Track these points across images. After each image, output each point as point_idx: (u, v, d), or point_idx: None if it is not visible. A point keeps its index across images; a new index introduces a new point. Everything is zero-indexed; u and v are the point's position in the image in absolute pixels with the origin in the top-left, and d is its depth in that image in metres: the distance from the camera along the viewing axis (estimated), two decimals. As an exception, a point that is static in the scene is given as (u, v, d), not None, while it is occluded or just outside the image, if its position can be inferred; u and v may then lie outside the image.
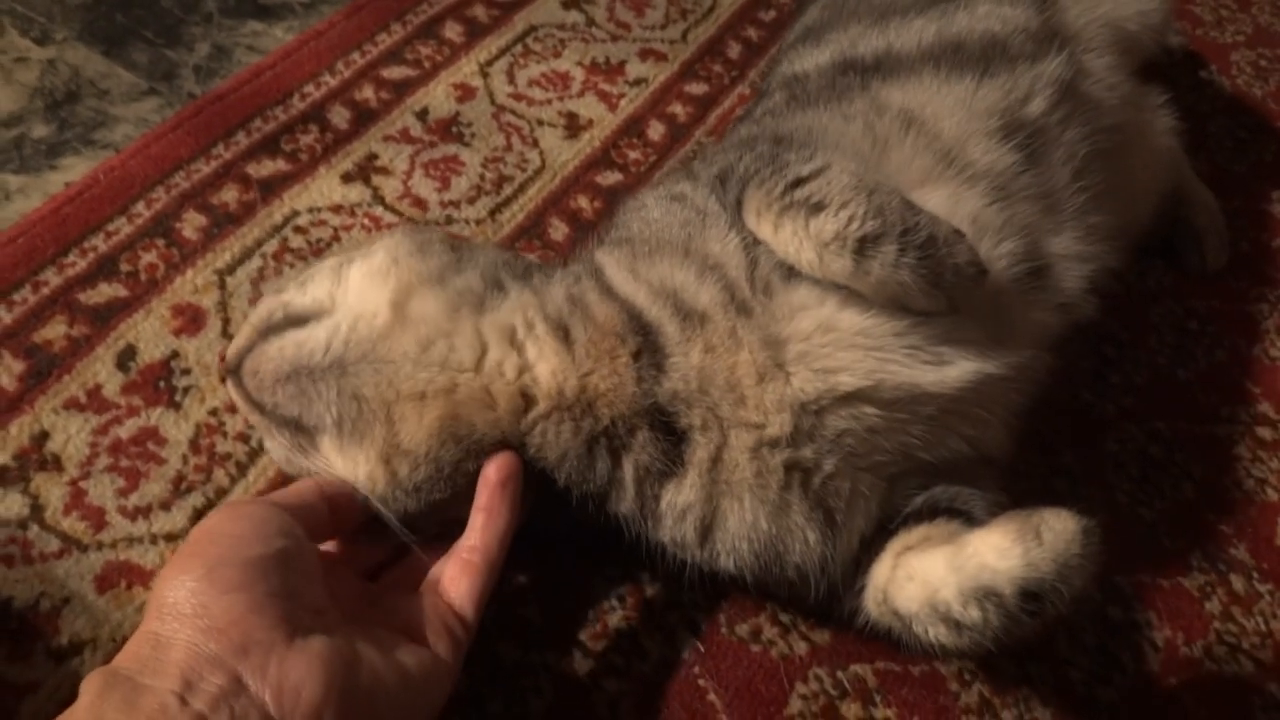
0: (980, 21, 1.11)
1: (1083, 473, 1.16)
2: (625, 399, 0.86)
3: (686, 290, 0.88)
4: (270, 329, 0.90)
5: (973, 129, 1.01)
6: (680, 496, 0.87)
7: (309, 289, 0.92)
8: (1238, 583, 1.08)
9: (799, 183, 0.85)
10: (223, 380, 0.95)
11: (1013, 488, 0.95)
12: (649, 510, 0.88)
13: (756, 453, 0.85)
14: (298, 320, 0.89)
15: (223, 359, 0.95)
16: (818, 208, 0.82)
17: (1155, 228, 1.38)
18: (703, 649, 0.96)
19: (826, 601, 0.91)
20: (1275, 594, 1.07)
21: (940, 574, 0.77)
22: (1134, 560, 1.08)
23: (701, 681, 0.95)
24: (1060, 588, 0.73)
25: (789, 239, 0.84)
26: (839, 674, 0.96)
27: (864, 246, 0.81)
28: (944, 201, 0.96)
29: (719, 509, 0.87)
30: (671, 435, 0.87)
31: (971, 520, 0.87)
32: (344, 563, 0.90)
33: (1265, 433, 1.23)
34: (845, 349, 0.85)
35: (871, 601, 0.85)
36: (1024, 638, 0.77)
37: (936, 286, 0.82)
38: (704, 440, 0.86)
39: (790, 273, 0.87)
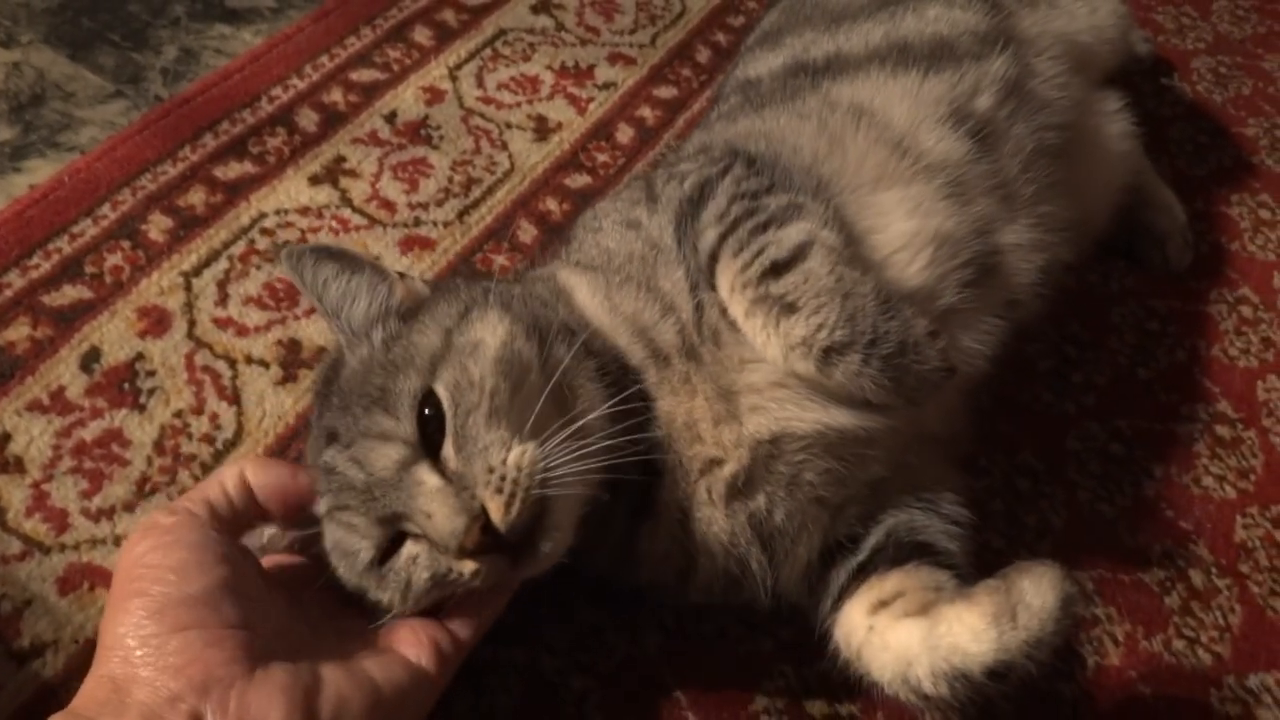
0: (929, 25, 1.13)
1: (1044, 470, 1.17)
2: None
3: (655, 329, 0.88)
4: None
5: (922, 116, 1.02)
6: (656, 545, 0.89)
7: None
8: (1197, 578, 1.10)
9: (776, 270, 0.84)
10: None
11: (975, 486, 0.97)
12: (628, 551, 0.90)
13: (724, 502, 0.87)
14: None
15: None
16: (790, 309, 0.82)
17: (1114, 228, 1.40)
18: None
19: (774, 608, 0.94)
20: (1234, 589, 1.09)
21: (914, 650, 0.79)
22: (1094, 556, 1.10)
23: (668, 679, 0.95)
24: (1029, 664, 0.76)
25: (758, 330, 0.84)
26: (804, 670, 0.97)
27: (829, 355, 0.81)
28: (904, 206, 0.97)
29: (696, 562, 0.89)
30: (647, 474, 0.87)
31: (938, 557, 0.90)
32: (312, 571, 0.87)
33: (1224, 431, 1.24)
34: (796, 404, 0.86)
35: (844, 649, 0.87)
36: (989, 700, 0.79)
37: (898, 394, 0.83)
38: (673, 481, 0.87)
39: (732, 323, 0.88)
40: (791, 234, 0.86)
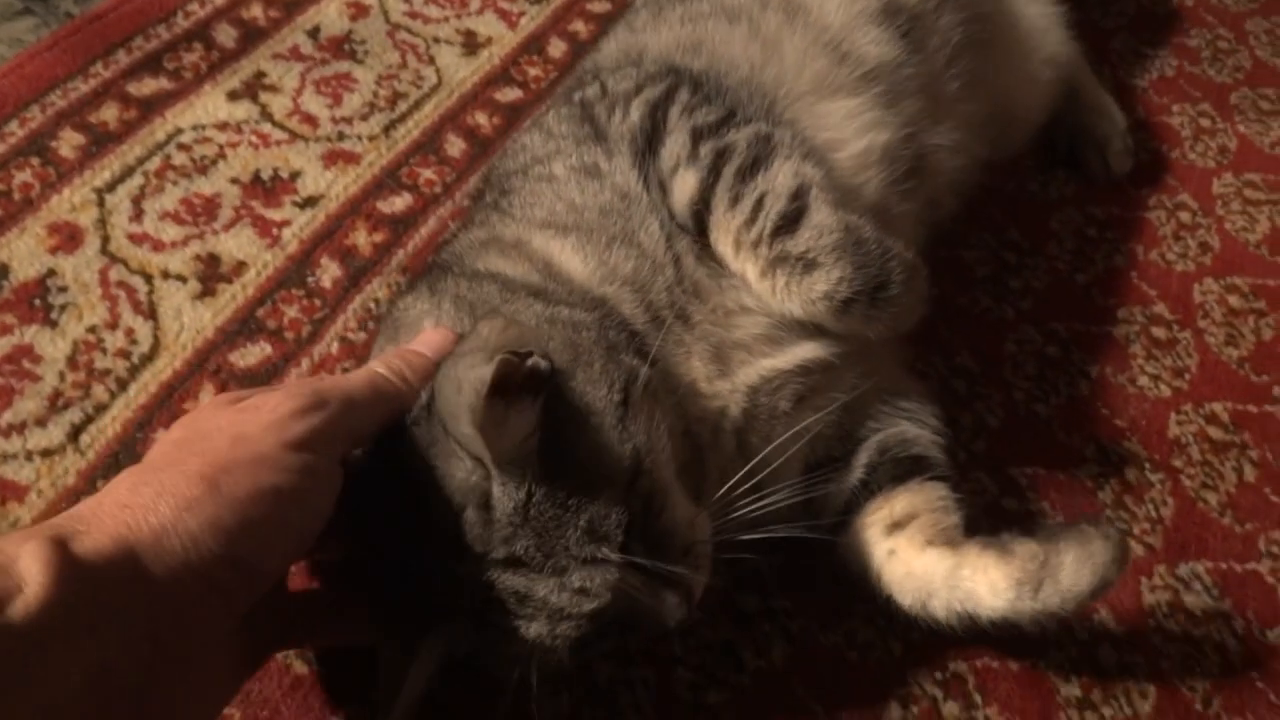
0: None
1: (981, 373, 1.17)
2: None
3: (651, 290, 0.86)
4: None
5: (856, 10, 1.00)
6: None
7: None
8: (1130, 473, 1.10)
9: (785, 225, 0.84)
10: None
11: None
12: None
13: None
14: None
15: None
16: (811, 266, 0.83)
17: (1058, 135, 1.39)
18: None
19: None
20: (1166, 483, 1.09)
21: (935, 584, 0.84)
22: (1029, 455, 1.09)
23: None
24: (1035, 627, 0.82)
25: (778, 288, 0.85)
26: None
27: (849, 305, 0.84)
28: (854, 122, 0.98)
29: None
30: None
31: (933, 470, 0.93)
32: None
33: (1160, 332, 1.24)
34: (780, 347, 0.88)
35: (863, 570, 0.90)
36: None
37: (894, 326, 0.88)
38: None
39: (712, 270, 0.88)
40: (782, 178, 0.86)
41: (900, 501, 0.90)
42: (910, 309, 0.88)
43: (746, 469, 0.83)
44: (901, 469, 0.93)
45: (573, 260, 0.86)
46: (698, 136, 0.89)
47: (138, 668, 0.56)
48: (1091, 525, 0.82)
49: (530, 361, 0.67)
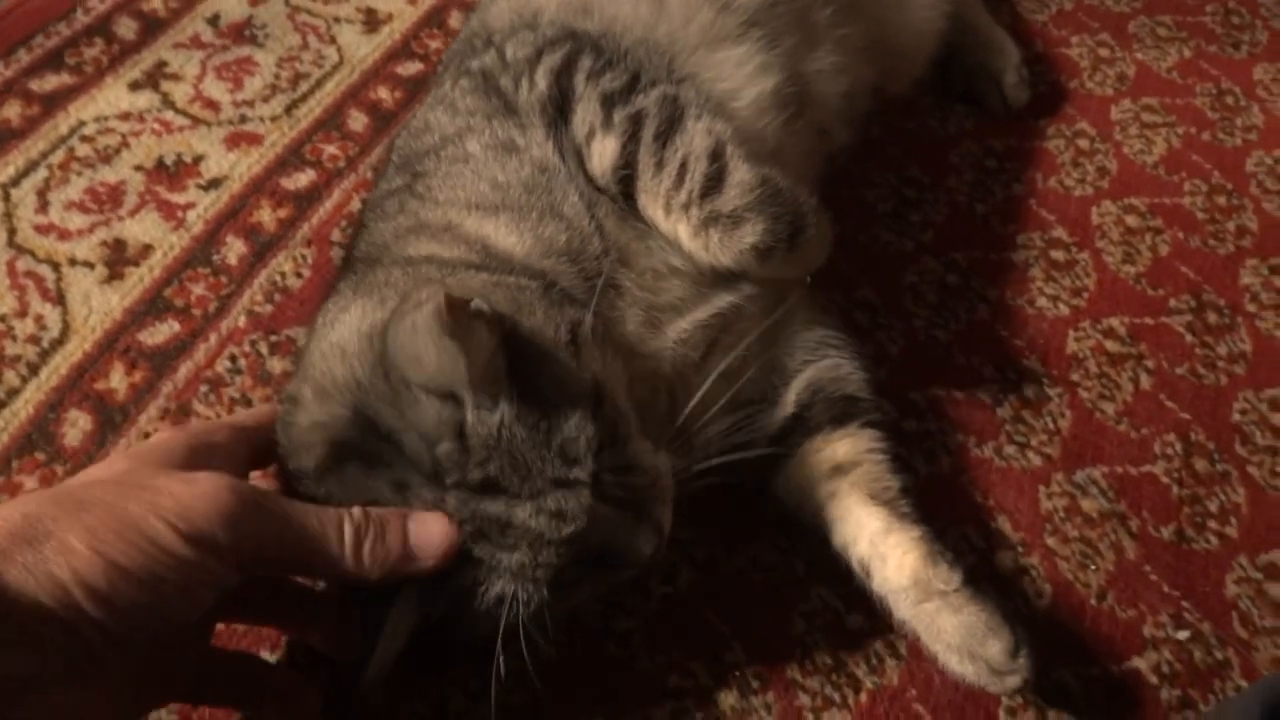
0: None
1: (881, 304, 1.19)
2: None
3: (583, 259, 0.88)
4: None
5: None
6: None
7: None
8: (1029, 389, 1.12)
9: (711, 185, 0.89)
10: None
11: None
12: None
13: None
14: None
15: None
16: (738, 221, 0.88)
17: (946, 68, 1.42)
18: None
19: None
20: (1064, 396, 1.12)
21: (862, 535, 0.90)
22: (929, 378, 1.12)
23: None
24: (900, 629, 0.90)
25: (711, 245, 0.89)
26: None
27: (771, 252, 0.89)
28: (742, 68, 1.02)
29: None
30: None
31: (866, 413, 0.97)
32: None
33: (1058, 254, 1.27)
34: (703, 300, 0.92)
35: (799, 507, 0.95)
36: None
37: (805, 268, 0.95)
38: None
39: (637, 232, 0.91)
40: (699, 139, 0.90)
41: (843, 445, 0.94)
42: (821, 249, 0.95)
43: (678, 425, 0.87)
44: (837, 409, 0.97)
45: (509, 239, 0.87)
46: (608, 103, 0.91)
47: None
48: (1011, 631, 0.83)
49: (474, 304, 0.68)
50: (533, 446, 0.70)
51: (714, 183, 0.88)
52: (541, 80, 0.94)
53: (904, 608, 0.86)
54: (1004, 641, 0.82)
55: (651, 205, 0.90)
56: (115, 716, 0.68)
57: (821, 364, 0.99)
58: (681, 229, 0.89)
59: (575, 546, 0.72)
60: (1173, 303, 1.22)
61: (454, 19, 1.46)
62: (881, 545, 0.88)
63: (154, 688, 0.72)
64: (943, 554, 0.87)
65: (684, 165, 0.89)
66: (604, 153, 0.90)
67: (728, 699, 0.89)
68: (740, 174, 0.89)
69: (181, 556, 0.61)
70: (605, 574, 0.78)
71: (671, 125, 0.90)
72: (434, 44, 1.42)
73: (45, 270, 1.12)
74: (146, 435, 1.00)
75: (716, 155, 0.90)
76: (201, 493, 0.63)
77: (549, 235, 0.87)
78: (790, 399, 0.97)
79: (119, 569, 0.59)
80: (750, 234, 0.88)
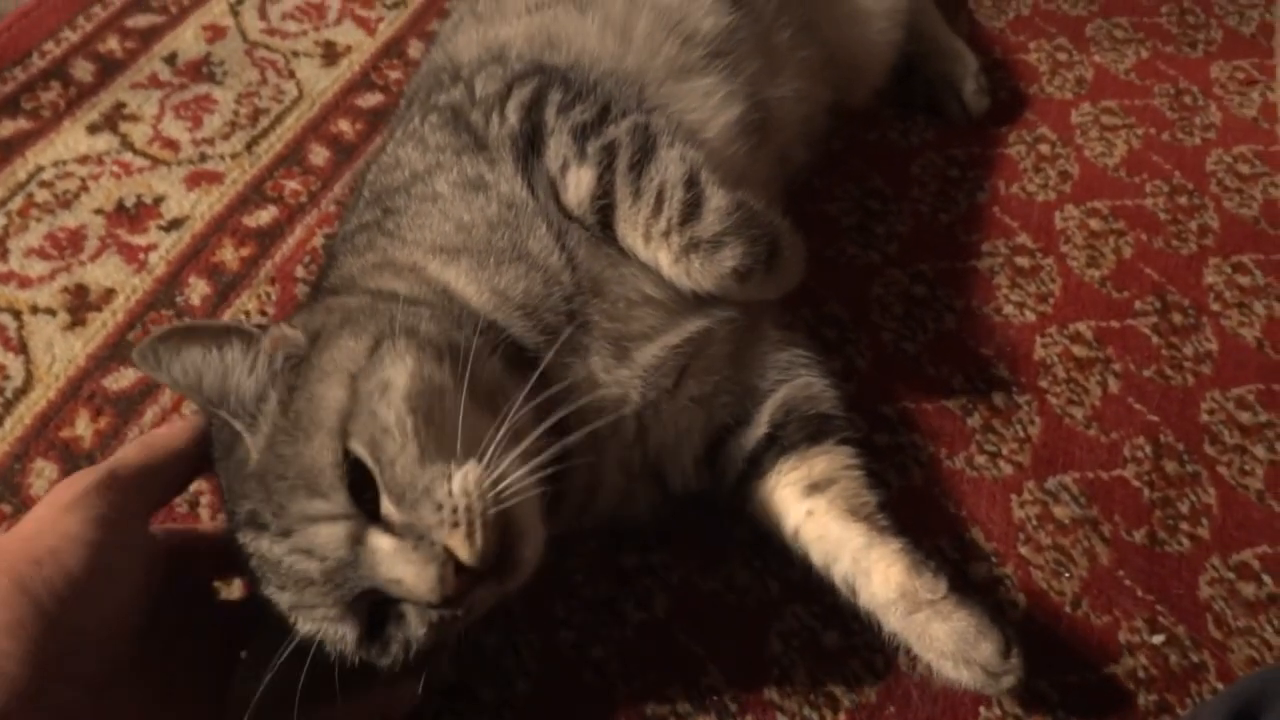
0: None
1: (849, 319, 1.20)
2: None
3: (545, 307, 0.87)
4: None
5: None
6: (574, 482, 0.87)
7: None
8: (998, 398, 1.13)
9: (690, 212, 0.89)
10: None
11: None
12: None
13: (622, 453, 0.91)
14: None
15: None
16: (718, 245, 0.89)
17: (906, 80, 1.43)
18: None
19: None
20: (1033, 403, 1.12)
21: (844, 552, 0.89)
22: (898, 391, 1.13)
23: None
24: (891, 643, 0.89)
25: (692, 270, 0.89)
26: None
27: (749, 275, 0.90)
28: (709, 99, 1.03)
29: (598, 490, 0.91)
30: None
31: (839, 432, 0.97)
32: None
33: (1023, 261, 1.28)
34: (674, 326, 0.93)
35: (776, 528, 0.94)
36: None
37: (780, 290, 0.96)
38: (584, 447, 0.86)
39: (609, 258, 0.91)
40: (673, 168, 0.91)
41: (819, 464, 0.94)
42: (797, 268, 0.96)
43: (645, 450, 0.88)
44: (811, 427, 0.97)
45: (468, 289, 0.87)
46: (580, 135, 0.92)
47: None
48: (1000, 631, 0.84)
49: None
50: (278, 479, 0.71)
51: (692, 209, 0.89)
52: (512, 114, 0.94)
53: (893, 621, 0.86)
54: (995, 643, 0.82)
55: (630, 234, 0.91)
56: None
57: (794, 383, 0.99)
58: (662, 256, 0.90)
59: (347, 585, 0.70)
60: (1138, 305, 1.23)
61: (413, 48, 1.46)
62: (864, 561, 0.88)
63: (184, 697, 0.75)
64: (925, 563, 0.87)
65: (660, 193, 0.89)
66: (579, 184, 0.91)
67: (706, 723, 0.89)
68: (716, 199, 0.90)
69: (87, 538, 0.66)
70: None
71: (645, 154, 0.91)
72: (394, 74, 1.42)
73: (6, 319, 1.11)
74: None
75: (692, 182, 0.90)
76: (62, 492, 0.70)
77: (504, 285, 0.87)
78: (764, 419, 0.97)
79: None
80: (730, 258, 0.89)
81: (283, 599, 0.71)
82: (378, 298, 0.83)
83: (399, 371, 0.73)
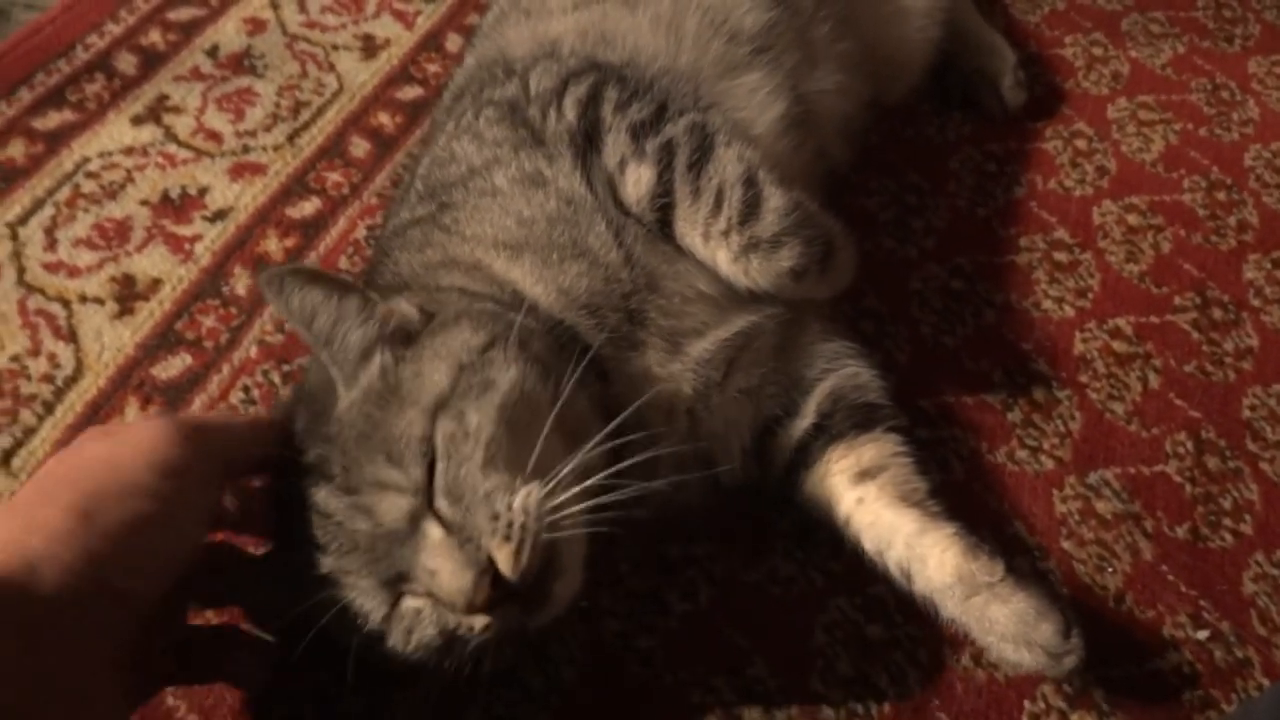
0: None
1: (888, 313, 1.20)
2: None
3: (605, 304, 0.89)
4: None
5: None
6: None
7: None
8: (1038, 392, 1.13)
9: (750, 211, 0.90)
10: None
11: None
12: None
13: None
14: None
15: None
16: (777, 245, 0.89)
17: (943, 76, 1.43)
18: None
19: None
20: (1073, 398, 1.12)
21: (897, 537, 0.89)
22: (938, 385, 1.13)
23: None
24: (950, 626, 0.89)
25: (751, 269, 0.90)
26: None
27: (805, 274, 0.91)
28: (756, 95, 1.04)
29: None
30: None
31: (886, 420, 0.98)
32: None
33: (1061, 256, 1.28)
34: (726, 322, 0.94)
35: (828, 515, 0.94)
36: None
37: (833, 289, 0.97)
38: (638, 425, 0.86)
39: (665, 254, 0.92)
40: (731, 167, 0.91)
41: (868, 451, 0.95)
42: (850, 269, 0.97)
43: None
44: (858, 416, 0.98)
45: (535, 289, 0.89)
46: (637, 133, 0.93)
47: (18, 699, 0.58)
48: (1060, 612, 0.83)
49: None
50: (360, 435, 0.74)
51: (751, 209, 0.90)
52: (569, 111, 0.95)
53: (951, 605, 0.86)
54: (1055, 623, 0.82)
55: (690, 233, 0.92)
56: (117, 707, 0.70)
57: (841, 372, 1.00)
58: (721, 255, 0.91)
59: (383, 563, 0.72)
60: (1177, 300, 1.23)
61: (451, 42, 1.47)
62: (918, 546, 0.88)
63: (145, 673, 0.74)
64: (981, 546, 0.87)
65: (720, 193, 0.90)
66: (639, 181, 0.92)
67: (751, 714, 0.89)
68: (775, 199, 0.91)
69: (160, 490, 0.67)
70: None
71: (703, 153, 0.92)
72: (432, 68, 1.42)
73: (56, 308, 1.13)
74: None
75: (750, 182, 0.91)
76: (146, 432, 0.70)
77: (569, 283, 0.88)
78: (811, 408, 0.98)
79: (109, 530, 0.64)
80: (788, 258, 0.90)
81: (325, 562, 0.73)
82: (475, 299, 0.85)
83: (505, 377, 0.76)
